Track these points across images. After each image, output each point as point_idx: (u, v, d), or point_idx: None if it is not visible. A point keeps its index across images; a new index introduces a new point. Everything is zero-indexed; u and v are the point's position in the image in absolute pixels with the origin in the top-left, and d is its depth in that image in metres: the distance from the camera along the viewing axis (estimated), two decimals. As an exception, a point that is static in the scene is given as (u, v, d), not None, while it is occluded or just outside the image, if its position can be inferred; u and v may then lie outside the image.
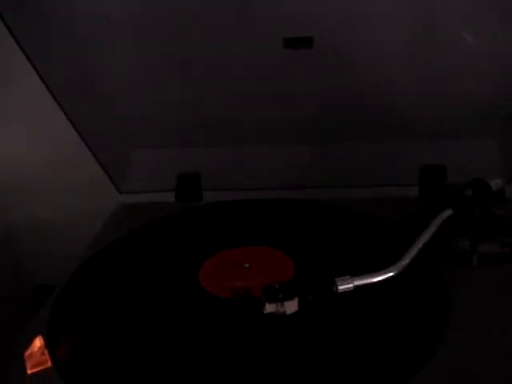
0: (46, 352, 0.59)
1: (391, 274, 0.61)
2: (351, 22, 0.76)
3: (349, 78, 0.83)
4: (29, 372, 0.57)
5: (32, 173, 1.10)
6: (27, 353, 0.60)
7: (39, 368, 0.57)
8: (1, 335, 0.75)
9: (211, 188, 0.95)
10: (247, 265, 0.71)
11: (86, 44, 0.80)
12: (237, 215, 0.87)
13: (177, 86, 0.86)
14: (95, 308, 0.67)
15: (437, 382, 0.52)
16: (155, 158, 0.94)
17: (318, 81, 0.83)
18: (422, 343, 0.57)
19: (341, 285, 0.59)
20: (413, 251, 0.64)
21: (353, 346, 0.57)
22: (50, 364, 0.58)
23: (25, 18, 0.74)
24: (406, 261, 0.62)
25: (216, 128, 0.91)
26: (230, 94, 0.87)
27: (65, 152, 1.05)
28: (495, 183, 0.73)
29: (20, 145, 1.09)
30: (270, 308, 0.57)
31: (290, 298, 0.57)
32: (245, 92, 0.86)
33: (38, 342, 0.61)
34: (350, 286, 0.59)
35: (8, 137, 1.08)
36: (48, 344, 0.60)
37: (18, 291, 1.14)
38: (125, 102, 0.88)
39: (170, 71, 0.85)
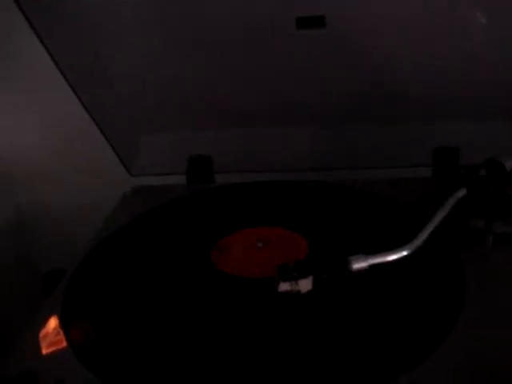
0: (60, 332, 0.60)
1: (405, 253, 0.61)
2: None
3: (362, 59, 0.82)
4: (44, 352, 0.57)
5: (42, 157, 1.10)
6: (42, 333, 0.60)
7: (54, 348, 0.58)
8: (13, 321, 0.76)
9: (222, 170, 0.95)
10: (260, 244, 0.71)
11: (96, 27, 0.80)
12: (249, 197, 0.87)
13: (188, 68, 0.86)
14: (109, 288, 0.67)
15: (451, 362, 0.52)
16: (166, 140, 0.94)
17: (331, 62, 0.82)
18: (437, 323, 0.57)
19: (355, 263, 0.59)
20: (427, 231, 0.63)
21: (367, 325, 0.57)
22: (64, 344, 0.58)
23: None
24: (420, 240, 0.62)
25: (227, 110, 0.90)
26: (241, 75, 0.86)
27: (76, 135, 1.06)
28: (510, 163, 0.73)
29: (31, 130, 1.09)
30: (284, 287, 0.57)
31: (305, 277, 0.57)
32: (256, 74, 0.86)
33: (52, 323, 0.61)
34: (365, 264, 0.59)
35: (19, 122, 1.08)
36: (62, 324, 0.61)
37: (30, 277, 1.14)
38: (136, 86, 0.88)
39: (180, 54, 0.85)
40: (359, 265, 0.59)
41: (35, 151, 1.10)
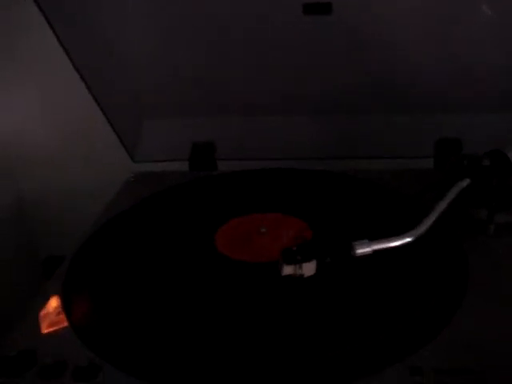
0: (61, 312, 0.60)
1: (408, 240, 0.61)
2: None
3: (367, 48, 0.82)
4: (44, 331, 0.57)
5: (45, 142, 1.10)
6: (42, 313, 0.60)
7: (55, 328, 0.58)
8: (13, 307, 0.75)
9: (225, 158, 0.95)
10: (264, 229, 0.71)
11: (102, 12, 0.80)
12: (253, 184, 0.87)
13: (191, 54, 0.86)
14: (110, 269, 0.67)
15: (453, 348, 0.52)
16: (169, 127, 0.94)
17: (335, 49, 0.82)
18: (440, 310, 0.57)
19: (359, 248, 0.59)
20: (430, 219, 0.63)
21: (369, 310, 0.57)
22: (65, 324, 0.58)
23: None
24: (423, 227, 0.62)
25: (231, 97, 0.90)
26: (245, 62, 0.86)
27: (79, 121, 1.05)
28: (513, 154, 0.73)
29: (32, 116, 1.08)
30: (287, 270, 0.57)
31: (309, 260, 0.57)
32: (260, 60, 0.85)
33: (53, 302, 0.61)
34: (368, 249, 0.59)
35: (22, 107, 1.07)
36: (64, 304, 0.61)
37: (31, 263, 1.14)
38: (140, 71, 0.88)
39: (184, 40, 0.84)
40: (363, 250, 0.59)
41: (36, 137, 1.10)
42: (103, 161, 1.07)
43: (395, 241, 0.60)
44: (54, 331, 0.57)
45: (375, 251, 0.59)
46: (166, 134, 0.94)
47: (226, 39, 0.83)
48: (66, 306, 0.60)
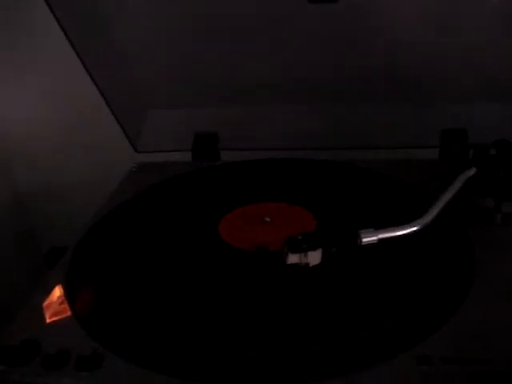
0: (65, 301, 0.59)
1: (415, 229, 0.60)
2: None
3: (373, 37, 0.81)
4: (48, 321, 0.57)
5: (47, 132, 1.09)
6: (46, 302, 0.60)
7: (58, 317, 0.57)
8: (16, 296, 0.75)
9: (228, 148, 0.94)
10: (268, 219, 0.70)
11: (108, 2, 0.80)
12: (256, 174, 0.87)
13: (194, 44, 0.85)
14: (113, 258, 0.67)
15: (460, 338, 0.51)
16: (172, 117, 0.93)
17: (341, 38, 0.81)
18: (446, 299, 0.56)
19: (365, 237, 0.58)
20: (437, 208, 0.63)
21: (375, 300, 0.57)
22: (69, 313, 0.58)
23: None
24: (429, 216, 0.62)
25: (234, 87, 0.89)
26: (248, 52, 0.85)
27: (81, 111, 1.05)
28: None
29: (36, 106, 1.08)
30: (292, 259, 0.57)
31: (314, 249, 0.57)
32: (265, 49, 0.85)
33: (57, 292, 0.61)
34: (374, 238, 0.59)
35: (23, 98, 1.07)
36: (67, 293, 0.60)
37: (33, 255, 1.14)
38: (143, 61, 0.88)
39: (185, 29, 0.84)
40: (369, 238, 0.58)
41: (37, 128, 1.10)
42: (106, 151, 1.06)
43: (401, 230, 0.60)
44: (58, 321, 0.57)
45: (381, 240, 0.59)
46: (168, 124, 0.94)
47: (227, 29, 0.82)
48: (69, 296, 0.60)
